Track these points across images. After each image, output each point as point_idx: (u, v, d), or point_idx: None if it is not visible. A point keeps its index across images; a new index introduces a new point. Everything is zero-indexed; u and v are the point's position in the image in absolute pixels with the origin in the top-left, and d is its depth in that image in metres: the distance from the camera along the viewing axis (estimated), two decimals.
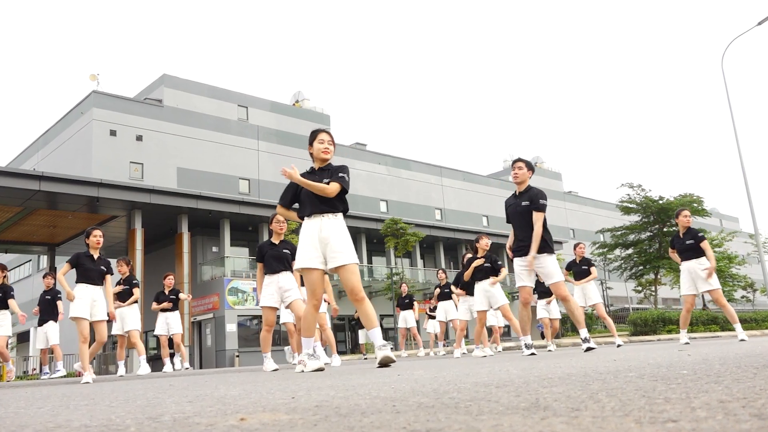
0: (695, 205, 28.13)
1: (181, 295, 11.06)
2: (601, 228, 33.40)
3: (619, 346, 8.03)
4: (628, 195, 29.18)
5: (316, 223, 4.47)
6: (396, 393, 2.03)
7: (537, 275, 6.54)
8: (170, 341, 11.27)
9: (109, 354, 24.72)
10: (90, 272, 6.59)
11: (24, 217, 23.20)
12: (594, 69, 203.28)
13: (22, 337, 37.60)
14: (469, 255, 8.68)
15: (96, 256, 6.67)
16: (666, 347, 6.51)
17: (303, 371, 4.72)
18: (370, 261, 32.35)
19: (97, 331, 6.70)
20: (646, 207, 28.56)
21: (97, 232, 6.70)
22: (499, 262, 8.53)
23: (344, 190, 4.54)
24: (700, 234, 8.00)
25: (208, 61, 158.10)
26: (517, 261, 6.39)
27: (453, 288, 8.74)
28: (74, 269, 6.61)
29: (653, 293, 30.82)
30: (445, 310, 11.88)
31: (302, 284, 5.90)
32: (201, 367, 23.54)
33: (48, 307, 10.73)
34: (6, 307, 9.06)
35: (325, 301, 7.37)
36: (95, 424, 1.64)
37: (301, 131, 34.38)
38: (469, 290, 9.80)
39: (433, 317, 14.07)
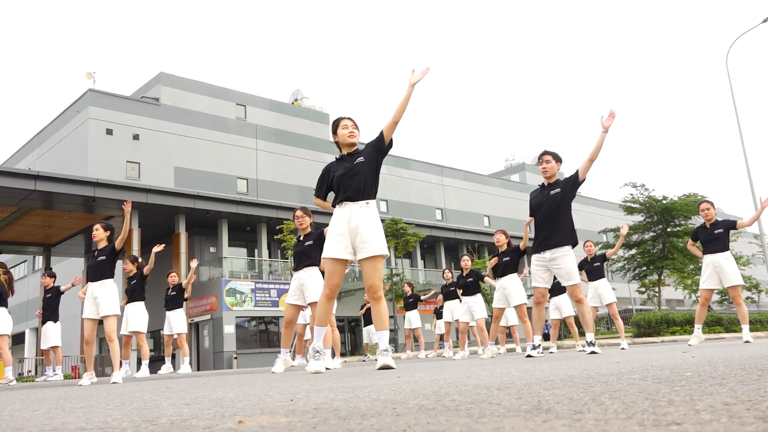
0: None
1: (192, 263, 10.48)
2: (604, 228, 33.18)
3: (623, 349, 7.98)
4: (631, 195, 28.91)
5: (346, 212, 4.37)
6: (396, 395, 2.01)
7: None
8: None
9: (105, 356, 24.63)
10: (89, 269, 6.53)
11: (19, 217, 23.10)
12: (596, 67, 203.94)
13: (17, 339, 37.51)
14: (475, 257, 8.72)
15: (100, 247, 6.49)
16: (669, 349, 6.49)
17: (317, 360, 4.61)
18: None
19: (104, 328, 6.42)
20: (650, 207, 28.28)
21: (97, 225, 6.55)
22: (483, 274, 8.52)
23: (390, 141, 4.53)
24: (732, 219, 7.74)
25: (205, 59, 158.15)
26: (535, 259, 6.06)
27: (489, 271, 8.80)
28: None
29: (657, 294, 30.67)
30: (450, 309, 11.88)
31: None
32: (198, 369, 23.49)
33: (49, 307, 10.73)
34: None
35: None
36: (91, 427, 1.63)
37: (300, 130, 34.30)
38: (467, 291, 9.82)
39: (440, 316, 14.07)
